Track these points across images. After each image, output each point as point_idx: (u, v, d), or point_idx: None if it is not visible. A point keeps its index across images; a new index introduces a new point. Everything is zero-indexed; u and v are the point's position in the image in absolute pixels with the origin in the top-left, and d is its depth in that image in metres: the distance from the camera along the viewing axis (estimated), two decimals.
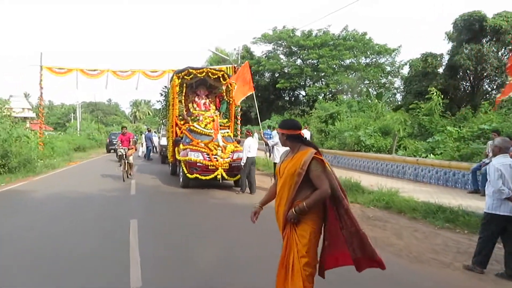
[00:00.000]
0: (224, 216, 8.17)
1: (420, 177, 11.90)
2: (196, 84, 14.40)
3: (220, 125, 12.59)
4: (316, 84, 40.23)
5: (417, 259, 5.36)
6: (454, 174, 10.68)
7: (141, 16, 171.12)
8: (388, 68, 40.26)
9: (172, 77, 13.34)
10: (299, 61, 40.16)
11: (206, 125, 12.80)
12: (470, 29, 27.54)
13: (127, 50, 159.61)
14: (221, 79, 13.34)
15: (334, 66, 37.61)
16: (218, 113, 13.81)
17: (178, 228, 6.95)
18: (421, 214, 7.86)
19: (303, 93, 44.13)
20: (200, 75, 13.05)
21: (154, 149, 24.93)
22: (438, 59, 31.25)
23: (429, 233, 6.70)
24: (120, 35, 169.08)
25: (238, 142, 12.88)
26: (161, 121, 17.11)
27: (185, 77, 13.04)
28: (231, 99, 13.75)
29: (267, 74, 41.86)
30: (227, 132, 12.89)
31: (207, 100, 14.07)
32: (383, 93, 34.78)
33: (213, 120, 13.10)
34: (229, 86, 13.66)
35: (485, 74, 29.09)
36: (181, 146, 12.04)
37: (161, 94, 16.22)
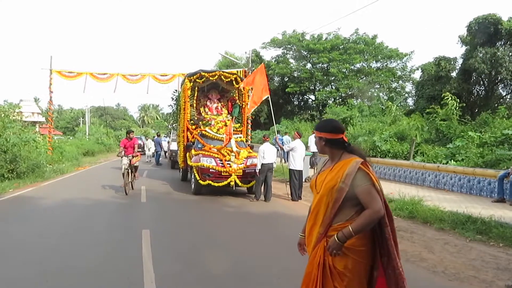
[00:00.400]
0: (240, 226, 7.77)
1: (441, 184, 11.41)
2: (208, 87, 14.09)
3: (233, 130, 12.24)
4: (326, 88, 39.79)
5: (455, 276, 4.92)
6: (479, 181, 10.19)
7: (151, 20, 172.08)
8: (399, 73, 39.72)
9: (184, 81, 13.04)
10: (309, 65, 39.77)
11: (218, 129, 12.46)
12: (485, 32, 26.98)
13: (136, 54, 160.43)
14: (233, 82, 12.99)
15: (344, 70, 37.20)
16: (231, 117, 13.46)
17: (192, 240, 6.56)
18: (449, 224, 7.41)
19: (312, 97, 43.74)
20: (212, 79, 12.73)
21: (164, 154, 24.67)
22: (452, 63, 30.73)
23: (462, 246, 6.25)
24: (129, 39, 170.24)
25: (251, 147, 12.51)
26: (171, 126, 16.81)
27: (197, 80, 12.73)
28: (243, 103, 13.40)
29: (276, 78, 41.52)
30: (240, 137, 12.52)
31: (219, 104, 13.73)
32: (394, 98, 34.28)
33: (226, 125, 12.77)
34: (242, 90, 13.32)
35: (500, 78, 28.50)
36: (192, 151, 11.70)
37: (172, 99, 15.98)
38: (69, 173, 17.85)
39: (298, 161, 10.66)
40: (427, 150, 14.23)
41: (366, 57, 37.71)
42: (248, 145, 12.79)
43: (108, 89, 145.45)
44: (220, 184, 10.55)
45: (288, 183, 11.09)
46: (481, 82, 30.83)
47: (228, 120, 13.25)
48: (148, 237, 6.48)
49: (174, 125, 16.86)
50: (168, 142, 22.50)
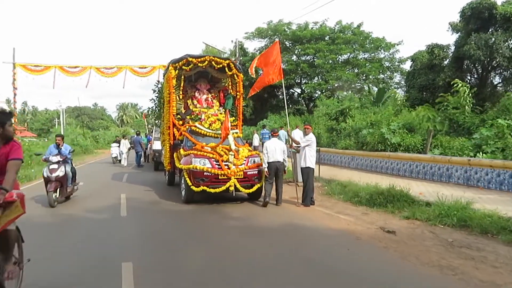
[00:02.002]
0: (250, 248, 5.94)
1: (473, 181, 9.86)
2: (196, 76, 12.18)
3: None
4: (312, 81, 38.23)
5: None
6: None
7: (126, 8, 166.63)
8: (387, 64, 38.52)
9: (168, 68, 11.10)
10: (294, 57, 38.12)
11: (210, 124, 10.60)
12: (479, 17, 25.74)
13: (112, 47, 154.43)
14: (226, 69, 11.11)
15: (331, 61, 35.68)
16: (223, 110, 11.60)
17: (190, 274, 4.72)
18: None
19: (298, 90, 42.21)
20: (201, 65, 10.82)
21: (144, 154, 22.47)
22: (445, 50, 29.55)
23: None
24: (104, 29, 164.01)
25: (250, 144, 10.69)
26: (153, 122, 14.77)
27: (183, 67, 10.81)
28: (238, 93, 11.54)
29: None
30: (236, 133, 10.69)
31: (210, 96, 11.84)
32: (385, 89, 32.97)
33: (218, 119, 10.93)
34: (235, 77, 11.46)
35: (495, 65, 27.48)
36: (181, 151, 9.80)
37: (154, 91, 13.90)
38: (38, 179, 15.63)
39: (312, 158, 8.91)
40: (445, 142, 12.69)
41: (354, 47, 36.27)
42: (246, 142, 10.97)
43: (83, 88, 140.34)
44: (217, 190, 8.71)
45: (296, 184, 9.45)
46: (474, 70, 29.79)
47: (221, 113, 11.40)
48: (130, 273, 4.61)
49: (157, 121, 14.83)
50: (150, 141, 20.39)
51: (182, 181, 9.36)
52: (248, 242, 6.18)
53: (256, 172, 9.10)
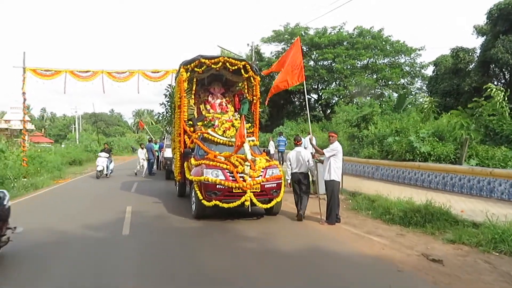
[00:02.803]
0: (269, 277, 4.98)
1: None
2: (209, 80, 11.33)
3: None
4: (330, 86, 37.16)
5: None
6: None
7: (139, 13, 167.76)
8: (407, 68, 37.20)
9: (179, 71, 10.27)
10: (311, 63, 37.12)
11: (224, 131, 9.69)
12: (507, 19, 24.45)
13: (124, 51, 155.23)
14: (242, 71, 10.22)
15: (349, 66, 34.56)
16: (238, 116, 10.70)
17: None
18: None
19: (315, 96, 41.19)
20: (215, 67, 9.93)
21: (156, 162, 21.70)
22: (470, 54, 28.21)
23: None
24: (116, 35, 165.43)
25: (268, 153, 9.75)
26: (164, 129, 13.96)
27: (196, 69, 9.95)
28: (254, 97, 10.62)
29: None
30: (253, 141, 9.76)
31: (224, 100, 10.95)
32: (407, 95, 31.66)
33: (233, 125, 10.03)
34: (252, 80, 10.55)
35: None
36: (192, 160, 8.91)
37: (165, 95, 13.08)
38: (45, 187, 15.00)
39: (338, 170, 7.91)
40: (482, 151, 11.52)
41: (374, 51, 35.09)
42: (264, 151, 10.03)
43: (100, 94, 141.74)
44: (231, 205, 7.76)
45: (318, 197, 8.55)
46: (501, 75, 28.35)
47: (236, 119, 10.50)
48: None
49: (168, 127, 14.02)
50: (162, 148, 19.61)
51: (193, 194, 8.45)
52: (265, 271, 5.21)
53: (275, 185, 8.14)
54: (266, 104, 9.43)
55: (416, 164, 12.18)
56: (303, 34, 35.33)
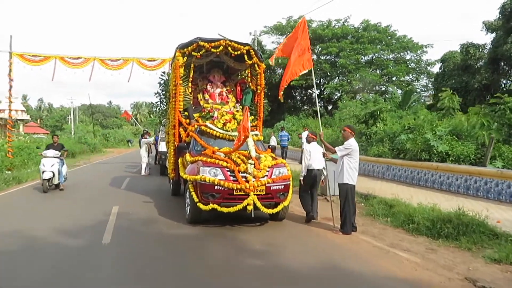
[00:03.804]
0: None
1: None
2: (208, 67, 10.22)
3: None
4: (333, 81, 36.05)
5: None
6: None
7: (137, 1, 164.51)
8: (413, 65, 36.10)
9: (174, 55, 9.14)
10: (314, 57, 35.95)
11: (224, 124, 8.58)
12: None
13: (119, 40, 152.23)
14: (245, 57, 9.08)
15: (353, 61, 33.39)
16: (240, 107, 9.60)
17: None
18: None
19: (317, 92, 40.11)
20: (215, 51, 8.78)
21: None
22: (481, 50, 27.10)
23: None
24: (110, 20, 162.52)
25: (273, 150, 8.66)
26: (159, 120, 12.81)
27: (193, 53, 8.82)
28: (259, 86, 9.50)
29: (279, 71, 37.65)
30: (257, 135, 8.65)
31: (225, 89, 9.83)
32: (413, 92, 30.56)
33: (234, 117, 8.93)
34: (256, 68, 9.42)
35: None
36: (187, 156, 7.80)
37: (160, 84, 11.91)
38: (30, 181, 13.90)
39: (353, 171, 6.84)
40: (507, 152, 10.47)
41: (380, 46, 33.93)
42: (269, 147, 8.93)
43: (99, 85, 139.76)
44: (231, 210, 6.67)
45: (325, 198, 7.64)
46: (511, 72, 27.31)
47: (237, 110, 9.40)
48: None
49: (162, 119, 12.89)
50: (156, 141, 18.46)
51: (187, 195, 7.35)
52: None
53: (282, 186, 7.04)
54: (281, 100, 8.31)
55: (433, 165, 11.10)
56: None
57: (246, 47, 9.04)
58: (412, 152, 12.25)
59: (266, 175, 6.94)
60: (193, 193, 6.87)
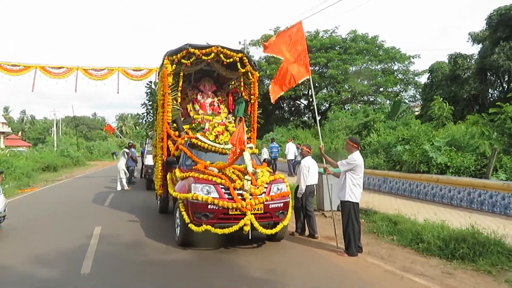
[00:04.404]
0: None
1: None
2: (198, 76, 9.67)
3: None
4: (321, 92, 35.81)
5: None
6: None
7: (121, 8, 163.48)
8: (400, 76, 36.17)
9: (162, 63, 8.55)
10: None
11: (217, 136, 7.99)
12: (508, 25, 23.53)
13: (104, 51, 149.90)
14: (238, 65, 8.55)
15: (340, 71, 33.23)
16: (233, 118, 9.04)
17: None
18: None
19: (305, 102, 39.91)
20: (206, 58, 8.23)
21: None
22: (468, 60, 27.21)
23: None
24: (95, 31, 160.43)
25: (269, 163, 8.10)
26: (145, 132, 12.11)
27: (183, 60, 8.25)
28: (252, 96, 8.96)
29: (267, 81, 37.29)
30: (251, 148, 8.08)
31: (216, 99, 9.26)
32: (401, 102, 30.47)
33: (226, 129, 8.36)
34: (250, 76, 8.90)
35: None
36: (177, 172, 7.15)
37: (147, 94, 11.25)
38: (7, 198, 12.97)
39: (357, 188, 6.29)
40: (510, 163, 10.10)
41: (368, 57, 33.91)
42: (265, 161, 8.36)
43: (83, 97, 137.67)
44: (226, 231, 6.05)
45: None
46: (498, 82, 27.46)
47: (230, 122, 8.83)
48: None
49: (149, 131, 12.18)
50: (142, 154, 17.71)
51: (177, 215, 6.71)
52: None
53: (282, 204, 6.46)
54: (273, 101, 7.68)
55: (434, 177, 10.66)
56: None
57: (239, 54, 8.52)
58: (410, 164, 11.81)
59: (264, 192, 6.36)
60: (183, 212, 6.23)
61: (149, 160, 14.12)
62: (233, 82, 10.00)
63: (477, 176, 10.54)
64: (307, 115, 41.57)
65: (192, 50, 8.10)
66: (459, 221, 7.32)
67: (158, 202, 9.76)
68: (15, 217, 9.66)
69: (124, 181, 14.94)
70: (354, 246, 6.19)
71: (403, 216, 7.95)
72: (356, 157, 6.28)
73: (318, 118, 8.48)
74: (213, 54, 8.21)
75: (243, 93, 9.16)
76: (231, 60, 8.41)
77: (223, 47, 8.32)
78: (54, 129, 52.05)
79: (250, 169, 6.37)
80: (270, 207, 6.30)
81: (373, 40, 34.14)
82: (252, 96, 8.94)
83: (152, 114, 11.07)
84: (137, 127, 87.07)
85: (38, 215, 9.88)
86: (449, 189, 10.13)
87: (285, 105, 41.75)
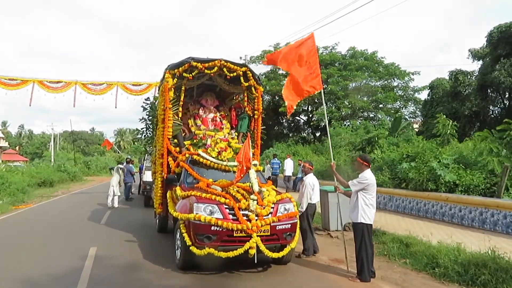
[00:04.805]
0: None
1: None
2: (199, 91, 9.38)
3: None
4: (319, 108, 35.65)
5: None
6: None
7: (118, 27, 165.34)
8: (400, 92, 36.12)
9: (164, 77, 8.26)
10: None
11: (219, 152, 7.65)
12: (509, 42, 23.54)
13: (103, 67, 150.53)
14: (241, 79, 8.28)
15: (339, 88, 33.12)
16: (235, 133, 8.72)
17: None
18: None
19: (304, 118, 39.77)
20: (209, 72, 7.96)
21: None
22: (469, 77, 27.16)
23: None
24: (94, 49, 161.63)
25: (273, 181, 7.74)
26: (144, 148, 11.74)
27: (185, 74, 7.97)
28: (256, 111, 8.67)
29: (266, 97, 37.14)
30: (255, 165, 7.72)
31: (218, 114, 8.95)
32: (402, 118, 30.32)
33: (229, 145, 8.03)
34: (253, 91, 8.61)
35: None
36: (178, 190, 6.78)
37: (144, 108, 10.91)
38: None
39: (369, 209, 5.95)
40: None
41: (368, 73, 33.88)
42: (269, 178, 8.01)
43: (82, 112, 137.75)
44: (230, 255, 5.66)
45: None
46: (500, 99, 27.35)
47: (232, 138, 8.51)
48: None
49: (148, 147, 11.80)
50: (140, 170, 17.31)
51: (177, 236, 6.32)
52: None
53: (289, 226, 6.08)
54: (289, 114, 7.39)
55: (443, 196, 10.31)
56: None
57: (243, 68, 8.25)
58: (417, 181, 11.47)
59: (271, 213, 5.98)
60: (185, 234, 5.85)
61: (147, 176, 13.72)
62: (235, 97, 9.72)
63: (486, 195, 10.22)
64: (306, 131, 41.39)
65: (194, 63, 7.83)
66: (472, 242, 6.97)
67: (157, 220, 9.35)
68: (7, 235, 9.25)
69: (116, 198, 14.35)
70: (367, 271, 5.80)
71: (415, 237, 7.58)
72: (368, 175, 5.95)
73: (328, 132, 8.22)
74: (216, 68, 7.94)
75: (246, 108, 8.86)
76: (235, 74, 8.13)
77: (226, 61, 8.05)
78: (52, 144, 51.66)
79: (256, 188, 6.00)
80: (277, 228, 5.92)
81: (372, 56, 34.15)
82: (255, 112, 8.65)
83: (151, 129, 10.71)
84: (135, 143, 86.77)
85: (31, 233, 9.44)
86: (459, 208, 9.77)
87: (284, 120, 41.59)
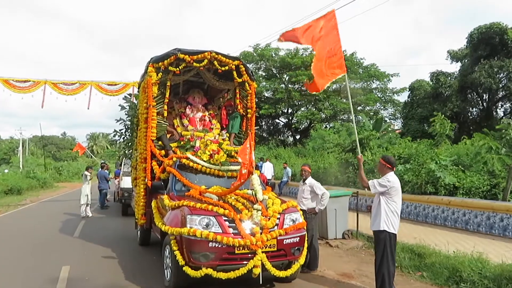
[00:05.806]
0: None
1: None
2: (185, 88, 8.49)
3: (232, 156, 6.74)
4: (301, 110, 35.16)
5: None
6: None
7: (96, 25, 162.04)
8: (379, 94, 36.10)
9: (146, 71, 7.34)
10: (282, 85, 35.05)
11: (211, 155, 6.76)
12: (489, 43, 23.67)
13: (78, 65, 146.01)
14: (234, 74, 7.45)
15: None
16: (226, 134, 7.87)
17: None
18: None
19: (284, 120, 39.22)
20: (198, 65, 7.08)
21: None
22: (450, 78, 27.21)
23: None
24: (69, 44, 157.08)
25: (273, 187, 6.91)
26: (123, 151, 10.69)
27: (170, 68, 7.07)
28: (249, 110, 7.85)
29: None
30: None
31: (207, 114, 8.07)
32: (383, 120, 30.14)
33: (221, 148, 7.16)
34: (247, 87, 7.80)
35: (504, 94, 25.28)
36: (165, 199, 5.86)
37: (122, 107, 9.84)
38: None
39: (394, 215, 5.17)
40: None
41: (347, 75, 33.60)
42: (269, 184, 7.19)
43: (52, 116, 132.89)
44: (231, 276, 4.79)
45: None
46: (478, 100, 27.52)
47: (224, 139, 7.66)
48: None
49: (127, 150, 10.74)
50: (118, 176, 16.14)
51: (166, 253, 5.41)
52: None
53: (298, 239, 5.27)
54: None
55: (444, 199, 9.75)
56: (274, 55, 33.45)
57: (236, 62, 7.42)
58: (415, 184, 10.91)
59: (277, 225, 5.16)
60: (176, 252, 4.95)
61: (126, 183, 12.63)
62: (225, 95, 8.87)
63: (487, 197, 9.75)
64: (286, 134, 40.89)
65: (181, 55, 6.94)
66: (487, 250, 6.39)
67: (138, 232, 8.37)
68: None
69: (88, 207, 13.22)
70: (389, 286, 5.05)
71: (427, 247, 6.92)
72: (391, 178, 5.17)
73: (353, 123, 7.42)
74: (206, 61, 7.07)
75: (239, 106, 8.02)
76: (227, 68, 7.29)
77: (217, 53, 7.20)
78: (20, 149, 49.20)
79: (260, 196, 5.17)
80: (284, 243, 5.10)
81: (351, 58, 33.93)
82: (249, 110, 7.83)
83: (130, 131, 9.67)
84: (109, 147, 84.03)
85: None
86: (464, 212, 9.22)
87: (263, 123, 40.90)
